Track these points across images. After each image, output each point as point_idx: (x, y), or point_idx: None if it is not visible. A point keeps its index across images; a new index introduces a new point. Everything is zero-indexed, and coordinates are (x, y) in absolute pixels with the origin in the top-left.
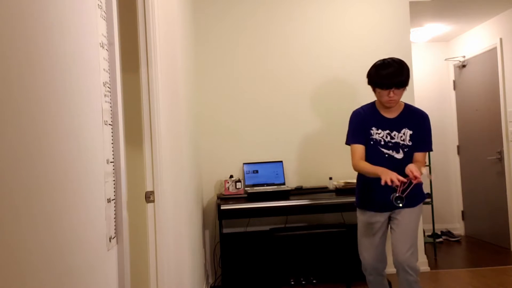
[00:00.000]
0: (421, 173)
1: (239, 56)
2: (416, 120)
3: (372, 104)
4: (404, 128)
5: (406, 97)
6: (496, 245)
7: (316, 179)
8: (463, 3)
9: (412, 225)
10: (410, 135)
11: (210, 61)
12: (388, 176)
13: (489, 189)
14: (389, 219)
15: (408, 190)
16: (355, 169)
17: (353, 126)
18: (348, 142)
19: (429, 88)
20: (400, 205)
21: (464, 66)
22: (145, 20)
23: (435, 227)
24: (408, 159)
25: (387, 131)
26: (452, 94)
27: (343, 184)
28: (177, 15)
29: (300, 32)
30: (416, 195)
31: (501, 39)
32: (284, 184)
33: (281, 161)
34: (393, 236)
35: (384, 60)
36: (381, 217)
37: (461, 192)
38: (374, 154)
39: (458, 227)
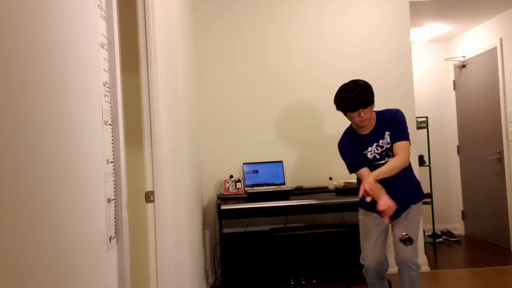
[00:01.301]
0: (370, 189)
1: (239, 56)
2: (389, 119)
3: (349, 128)
4: (385, 131)
5: (407, 97)
6: (496, 245)
7: (316, 179)
8: (463, 3)
9: (414, 222)
10: (389, 135)
11: (210, 61)
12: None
13: (489, 189)
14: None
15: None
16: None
17: (348, 155)
18: (353, 171)
19: (429, 88)
20: (408, 244)
21: (464, 66)
22: (145, 20)
23: (435, 227)
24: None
25: (375, 144)
26: (452, 94)
27: (343, 184)
28: (177, 15)
29: (300, 32)
30: (416, 193)
31: (501, 39)
32: (284, 184)
33: (281, 161)
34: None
35: (346, 84)
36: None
37: (461, 192)
38: (374, 169)
39: (458, 227)
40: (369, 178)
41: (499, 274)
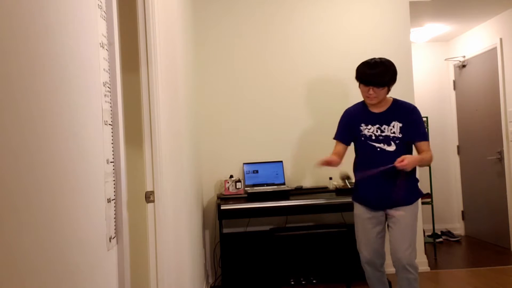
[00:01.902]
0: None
1: (239, 56)
2: (405, 112)
3: (362, 101)
4: (394, 121)
5: (407, 97)
6: (496, 245)
7: (316, 179)
8: (463, 3)
9: (410, 222)
10: (400, 128)
11: (210, 61)
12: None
13: (489, 189)
14: (386, 217)
15: (381, 169)
16: None
17: (340, 123)
18: (334, 137)
19: (429, 88)
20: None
21: (464, 66)
22: (145, 20)
23: (435, 227)
24: (401, 151)
25: (377, 126)
26: (452, 94)
27: (343, 184)
28: (177, 15)
29: (300, 32)
30: (411, 192)
31: (501, 39)
32: (284, 184)
33: (281, 161)
34: (391, 234)
35: (373, 59)
36: (377, 213)
37: (461, 192)
38: (366, 149)
39: (458, 227)
40: (335, 157)
41: (499, 274)
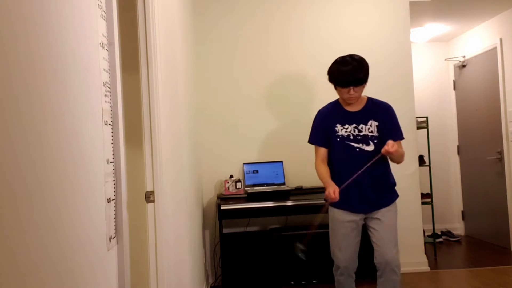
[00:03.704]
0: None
1: (239, 56)
2: (381, 111)
3: (336, 101)
4: (370, 120)
5: (407, 97)
6: (496, 245)
7: (316, 179)
8: (463, 3)
9: (393, 222)
10: (377, 126)
11: (210, 61)
12: (328, 190)
13: (489, 189)
14: (365, 220)
15: (372, 161)
16: (316, 170)
17: (315, 125)
18: (310, 141)
19: (429, 88)
20: (300, 256)
21: (464, 66)
22: (145, 20)
23: (435, 227)
24: (378, 151)
25: (354, 125)
26: (452, 94)
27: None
28: (177, 15)
29: (300, 32)
30: (390, 192)
31: (501, 39)
32: (284, 184)
33: (281, 161)
34: (375, 236)
35: (343, 57)
36: (356, 217)
37: (461, 192)
38: (344, 150)
39: (458, 227)
40: (332, 186)
41: (499, 274)
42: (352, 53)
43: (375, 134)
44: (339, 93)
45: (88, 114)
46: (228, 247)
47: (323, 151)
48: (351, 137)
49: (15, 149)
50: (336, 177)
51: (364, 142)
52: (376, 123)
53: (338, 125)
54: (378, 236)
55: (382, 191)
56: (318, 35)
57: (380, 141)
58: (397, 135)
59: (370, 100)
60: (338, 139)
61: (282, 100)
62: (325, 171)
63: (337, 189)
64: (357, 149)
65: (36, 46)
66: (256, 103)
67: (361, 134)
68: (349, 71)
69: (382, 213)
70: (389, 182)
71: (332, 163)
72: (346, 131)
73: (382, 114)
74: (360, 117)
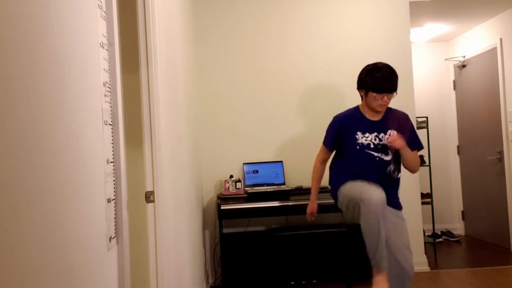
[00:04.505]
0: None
1: (239, 56)
2: (400, 121)
3: (356, 108)
4: (390, 129)
5: (407, 97)
6: (496, 245)
7: None
8: (463, 3)
9: (405, 229)
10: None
11: (210, 61)
12: (308, 206)
13: (489, 189)
14: None
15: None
16: (312, 170)
17: (332, 131)
18: (325, 144)
19: (429, 88)
20: (396, 173)
21: (464, 66)
22: (145, 20)
23: (435, 227)
24: (394, 160)
25: (375, 134)
26: (452, 94)
27: None
28: (177, 15)
29: (300, 32)
30: (397, 200)
31: (501, 39)
32: (284, 184)
33: (281, 161)
34: (393, 243)
35: (375, 64)
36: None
37: (461, 192)
38: (363, 158)
39: (458, 227)
40: (312, 203)
41: (499, 274)
42: (377, 62)
43: None
44: (369, 100)
45: (88, 114)
46: (228, 247)
47: (327, 155)
48: (371, 146)
49: (15, 149)
50: (345, 165)
51: (384, 151)
52: (395, 134)
53: (359, 132)
54: (396, 244)
55: (396, 195)
56: (318, 35)
57: (397, 151)
58: (417, 145)
59: (389, 110)
60: (358, 147)
61: (282, 100)
62: (317, 179)
63: (315, 210)
64: (377, 158)
65: (36, 46)
66: (256, 103)
67: (381, 143)
68: (385, 77)
69: (396, 218)
70: (398, 192)
71: (346, 165)
72: (366, 140)
73: (400, 123)
74: (381, 126)
